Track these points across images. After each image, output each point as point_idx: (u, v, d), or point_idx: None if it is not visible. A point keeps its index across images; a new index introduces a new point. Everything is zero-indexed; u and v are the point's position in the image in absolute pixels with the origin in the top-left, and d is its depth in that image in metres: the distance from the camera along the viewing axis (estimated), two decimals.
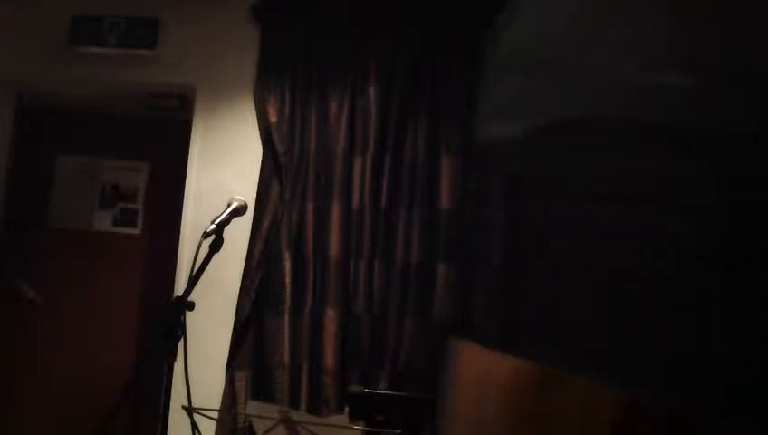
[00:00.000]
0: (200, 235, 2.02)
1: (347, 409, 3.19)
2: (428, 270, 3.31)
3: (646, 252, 0.36)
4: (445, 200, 3.34)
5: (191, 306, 1.95)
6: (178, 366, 1.90)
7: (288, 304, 3.34)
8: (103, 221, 3.99)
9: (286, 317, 3.33)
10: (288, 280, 3.35)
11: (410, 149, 3.40)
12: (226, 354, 3.35)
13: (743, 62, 0.35)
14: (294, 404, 3.21)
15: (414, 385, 3.18)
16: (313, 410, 3.23)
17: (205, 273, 2.02)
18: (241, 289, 3.40)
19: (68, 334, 3.83)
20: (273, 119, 3.50)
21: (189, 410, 2.05)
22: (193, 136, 3.67)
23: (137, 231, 3.98)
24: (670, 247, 0.35)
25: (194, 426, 2.16)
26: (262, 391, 3.28)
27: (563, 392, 0.38)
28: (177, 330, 1.89)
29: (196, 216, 3.54)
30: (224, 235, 2.05)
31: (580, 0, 0.41)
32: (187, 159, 3.66)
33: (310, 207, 3.41)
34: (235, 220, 2.12)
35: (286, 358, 3.29)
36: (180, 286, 3.43)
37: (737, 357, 0.34)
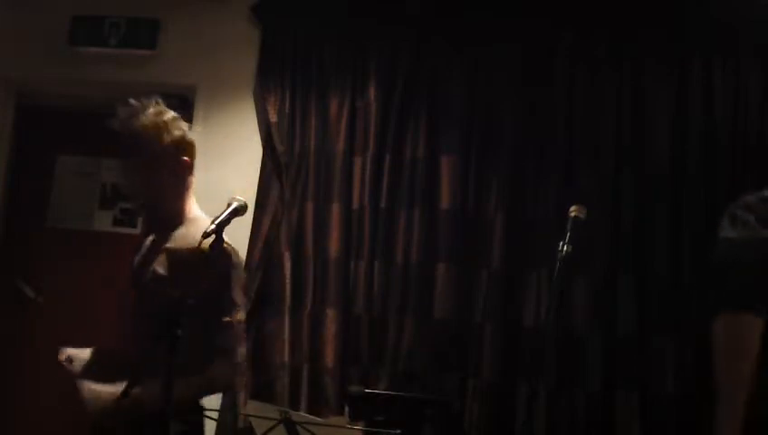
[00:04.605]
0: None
1: (347, 409, 3.19)
2: (428, 270, 3.30)
3: None
4: (445, 200, 3.34)
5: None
6: None
7: (288, 305, 3.33)
8: (103, 221, 3.98)
9: (286, 317, 3.32)
10: (288, 280, 3.35)
11: (410, 149, 3.40)
12: None
13: None
14: (294, 404, 3.21)
15: (414, 385, 3.18)
16: (313, 410, 3.22)
17: None
18: None
19: (68, 334, 3.82)
20: (273, 118, 3.50)
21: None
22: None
23: (137, 231, 3.97)
24: None
25: None
26: (262, 391, 3.28)
27: None
28: (177, 330, 1.89)
29: None
30: (224, 235, 2.05)
31: None
32: None
33: (310, 206, 3.41)
34: (235, 220, 2.11)
35: (286, 358, 3.29)
36: None
37: None
